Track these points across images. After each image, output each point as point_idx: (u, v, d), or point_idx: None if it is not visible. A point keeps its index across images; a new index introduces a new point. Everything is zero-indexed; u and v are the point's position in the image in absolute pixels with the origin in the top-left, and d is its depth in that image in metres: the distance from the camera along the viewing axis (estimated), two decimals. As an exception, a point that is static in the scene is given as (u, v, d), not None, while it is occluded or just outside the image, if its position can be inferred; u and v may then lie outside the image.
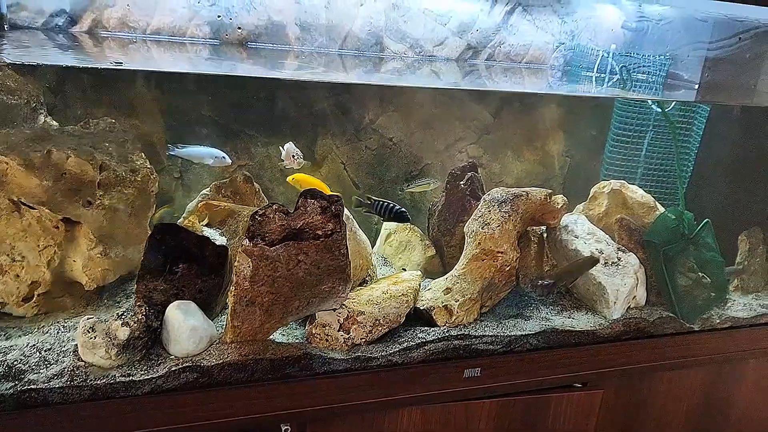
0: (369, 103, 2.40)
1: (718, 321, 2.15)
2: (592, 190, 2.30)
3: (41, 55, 1.82)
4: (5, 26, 1.98)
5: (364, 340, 1.70)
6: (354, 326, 1.70)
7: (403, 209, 1.89)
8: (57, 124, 1.84)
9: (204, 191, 2.02)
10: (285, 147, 2.04)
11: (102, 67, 1.93)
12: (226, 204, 1.93)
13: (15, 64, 1.74)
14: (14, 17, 2.03)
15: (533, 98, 2.66)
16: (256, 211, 1.52)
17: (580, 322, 1.98)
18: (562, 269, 2.03)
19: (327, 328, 1.68)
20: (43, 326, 1.64)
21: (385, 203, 1.90)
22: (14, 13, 2.02)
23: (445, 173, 2.47)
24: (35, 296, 1.70)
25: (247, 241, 1.51)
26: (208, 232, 1.89)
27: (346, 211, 1.92)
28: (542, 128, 2.71)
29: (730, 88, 2.41)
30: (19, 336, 1.59)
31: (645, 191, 2.24)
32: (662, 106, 2.42)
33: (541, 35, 2.71)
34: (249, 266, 1.52)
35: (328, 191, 2.04)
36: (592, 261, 1.99)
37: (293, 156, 2.00)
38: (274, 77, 2.14)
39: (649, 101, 2.36)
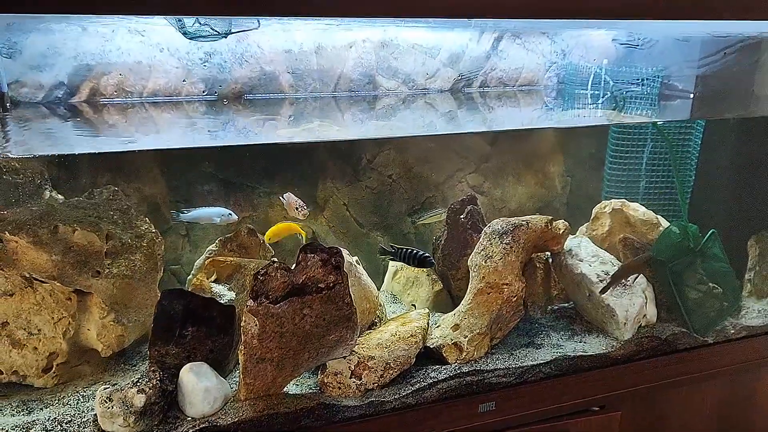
0: (366, 144, 2.44)
1: (733, 331, 2.14)
2: (593, 210, 2.31)
3: (44, 130, 1.88)
4: (7, 104, 2.04)
5: (376, 384, 1.72)
6: (365, 372, 1.72)
7: (427, 254, 1.97)
8: (62, 197, 1.89)
9: (210, 247, 2.06)
10: (285, 198, 2.08)
11: (116, 150, 1.99)
12: (232, 259, 1.97)
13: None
14: (15, 94, 2.09)
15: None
16: (258, 271, 1.55)
17: (593, 345, 1.98)
18: (620, 269, 2.03)
19: (339, 376, 1.70)
20: (62, 397, 1.69)
21: (409, 250, 1.98)
22: (15, 90, 2.09)
23: (446, 204, 2.49)
24: (54, 367, 1.75)
25: (252, 301, 1.54)
26: (217, 288, 1.92)
27: (349, 256, 1.95)
28: (540, 151, 2.73)
29: (724, 101, 2.41)
30: (41, 409, 1.63)
31: (647, 207, 2.24)
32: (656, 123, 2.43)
33: (532, 57, 2.73)
34: (256, 325, 1.55)
35: (299, 230, 2.10)
36: (647, 259, 2.02)
37: (296, 207, 2.04)
38: (272, 143, 2.18)
39: (643, 122, 2.37)
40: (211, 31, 1.52)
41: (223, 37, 1.59)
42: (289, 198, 2.06)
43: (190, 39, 1.60)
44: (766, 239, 2.36)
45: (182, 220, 2.09)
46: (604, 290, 1.98)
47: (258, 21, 1.66)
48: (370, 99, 2.47)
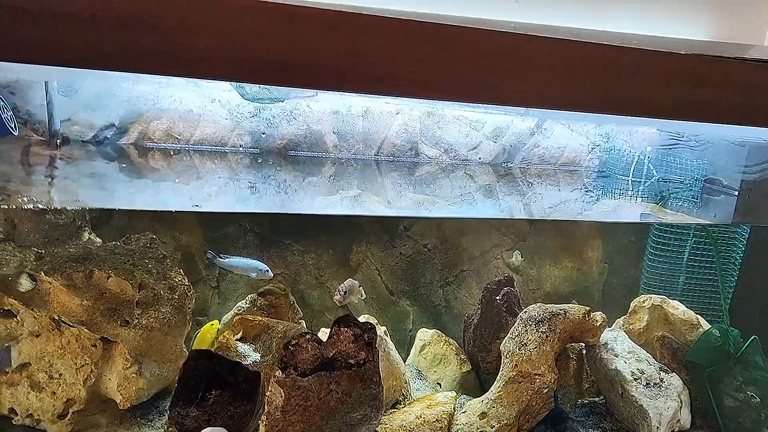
0: (403, 216, 2.43)
1: (770, 445, 2.04)
2: (632, 303, 2.24)
3: (90, 173, 1.89)
4: (58, 141, 2.07)
5: (396, 468, 1.66)
6: (386, 454, 1.66)
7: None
8: (100, 240, 1.89)
9: (240, 303, 2.03)
10: (346, 285, 2.04)
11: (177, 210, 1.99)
12: (261, 319, 1.93)
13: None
14: (66, 131, 2.12)
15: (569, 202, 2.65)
16: (290, 341, 1.52)
17: (622, 447, 1.90)
18: None
19: (359, 456, 1.64)
20: (74, 448, 1.65)
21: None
22: (66, 127, 2.12)
23: (480, 280, 2.45)
24: (70, 414, 1.71)
25: (280, 372, 1.50)
26: (242, 348, 1.89)
27: (379, 328, 1.91)
28: (579, 234, 2.69)
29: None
30: (51, 458, 1.59)
31: (687, 306, 2.18)
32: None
33: (575, 137, 2.71)
34: (281, 397, 1.51)
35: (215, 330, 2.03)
36: None
37: (345, 292, 2.02)
38: (311, 213, 2.18)
39: (686, 219, 2.32)
40: (269, 95, 1.53)
41: (279, 101, 1.60)
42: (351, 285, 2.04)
43: (248, 101, 1.61)
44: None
45: (217, 264, 2.07)
46: None
47: (316, 91, 1.67)
48: (411, 165, 2.47)
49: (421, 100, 2.18)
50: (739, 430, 2.03)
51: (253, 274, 2.04)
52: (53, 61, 1.06)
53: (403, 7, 1.54)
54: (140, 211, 2.15)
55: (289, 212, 2.13)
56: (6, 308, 1.67)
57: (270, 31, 1.05)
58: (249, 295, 2.07)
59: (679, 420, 1.97)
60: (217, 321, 2.06)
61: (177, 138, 2.24)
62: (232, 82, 1.67)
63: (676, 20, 2.15)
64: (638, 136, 2.77)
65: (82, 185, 1.80)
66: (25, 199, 1.68)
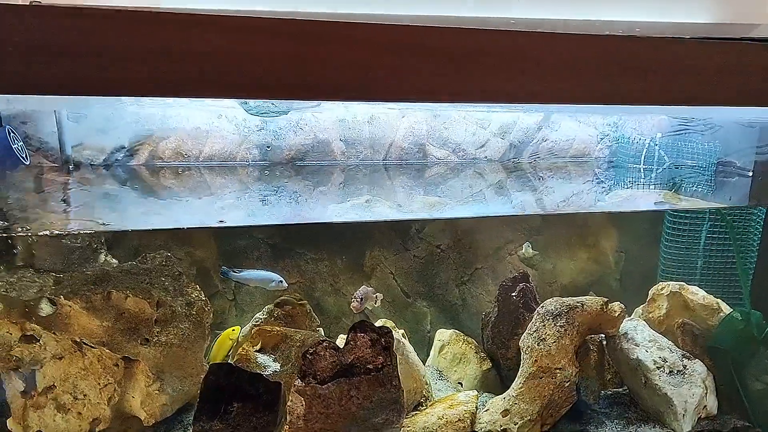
0: (415, 219, 2.43)
1: (800, 427, 2.01)
2: (650, 291, 2.22)
3: (103, 195, 1.92)
4: (70, 167, 2.11)
5: (421, 470, 1.66)
6: (411, 457, 1.66)
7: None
8: (116, 261, 1.91)
9: (257, 315, 2.05)
10: (361, 291, 2.05)
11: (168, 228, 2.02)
12: (279, 329, 1.95)
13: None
14: (78, 156, 2.15)
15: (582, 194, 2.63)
16: (308, 350, 1.53)
17: (649, 437, 1.89)
18: None
19: (383, 460, 1.64)
20: (103, 466, 1.67)
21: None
22: (78, 152, 2.15)
23: (495, 277, 2.44)
24: (96, 433, 1.74)
25: (299, 381, 1.51)
26: (261, 359, 1.90)
27: (396, 332, 1.91)
28: (593, 225, 2.67)
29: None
30: (81, 479, 1.62)
31: (706, 291, 2.15)
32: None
33: (583, 129, 2.70)
34: (302, 405, 1.52)
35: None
36: None
37: (362, 299, 2.03)
38: (322, 222, 2.18)
39: (701, 203, 2.30)
40: (273, 109, 1.54)
41: (284, 114, 1.61)
42: (366, 291, 2.05)
43: (253, 115, 1.63)
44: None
45: (231, 278, 2.08)
46: None
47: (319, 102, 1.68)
48: (420, 167, 2.47)
49: (427, 105, 2.19)
50: (768, 413, 2.00)
51: (270, 285, 2.05)
52: (64, 92, 1.09)
53: (401, 11, 1.55)
54: (154, 230, 2.17)
55: (301, 222, 2.14)
56: (29, 333, 1.70)
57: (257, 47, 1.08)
58: (266, 306, 2.08)
59: (705, 406, 1.95)
60: (238, 327, 2.08)
61: (186, 156, 2.27)
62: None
63: (677, 4, 2.13)
64: (647, 123, 2.75)
65: (95, 207, 1.83)
66: (41, 225, 1.71)
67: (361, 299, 2.00)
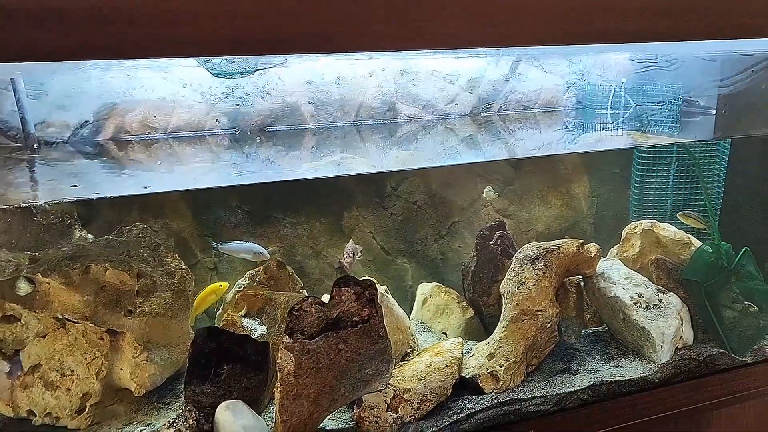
0: (390, 172, 2.43)
1: (771, 350, 2.10)
2: (623, 231, 2.28)
3: (72, 171, 1.89)
4: (34, 145, 2.06)
5: (413, 417, 1.69)
6: (402, 405, 1.69)
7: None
8: (92, 236, 1.89)
9: (240, 281, 2.05)
10: (350, 248, 2.08)
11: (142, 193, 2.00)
12: (262, 292, 1.95)
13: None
14: (42, 134, 2.10)
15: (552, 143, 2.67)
16: (293, 306, 1.54)
17: (629, 370, 1.95)
18: None
19: (375, 410, 1.68)
20: (96, 440, 1.67)
21: None
22: (42, 130, 2.10)
23: (472, 229, 2.47)
24: (87, 408, 1.73)
25: (287, 338, 1.52)
26: (247, 323, 1.91)
27: (379, 286, 1.93)
28: (564, 172, 2.71)
29: (749, 118, 2.39)
30: (75, 453, 1.62)
31: (677, 228, 2.21)
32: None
33: (550, 78, 2.72)
34: (292, 361, 1.53)
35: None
36: None
37: (352, 254, 2.05)
38: (295, 179, 2.18)
39: (668, 140, 2.35)
40: (237, 68, 1.52)
41: (249, 74, 1.59)
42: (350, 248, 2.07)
43: (217, 77, 1.60)
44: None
45: (221, 250, 2.15)
46: None
47: (285, 57, 1.66)
48: (391, 126, 2.47)
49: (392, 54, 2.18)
50: (741, 339, 2.08)
51: (249, 256, 2.08)
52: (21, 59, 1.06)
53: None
54: (129, 202, 2.15)
55: (276, 180, 2.14)
56: (9, 313, 1.68)
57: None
58: (248, 272, 2.09)
59: (681, 337, 2.02)
60: (226, 283, 2.09)
61: (154, 128, 2.23)
62: (199, 59, 1.66)
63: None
64: (612, 69, 2.78)
65: (65, 183, 1.80)
66: (10, 204, 1.68)
67: (353, 255, 2.02)
